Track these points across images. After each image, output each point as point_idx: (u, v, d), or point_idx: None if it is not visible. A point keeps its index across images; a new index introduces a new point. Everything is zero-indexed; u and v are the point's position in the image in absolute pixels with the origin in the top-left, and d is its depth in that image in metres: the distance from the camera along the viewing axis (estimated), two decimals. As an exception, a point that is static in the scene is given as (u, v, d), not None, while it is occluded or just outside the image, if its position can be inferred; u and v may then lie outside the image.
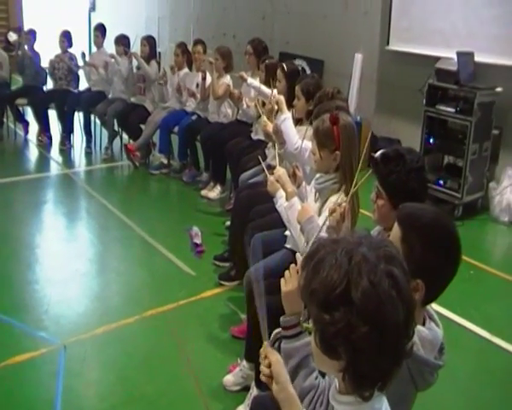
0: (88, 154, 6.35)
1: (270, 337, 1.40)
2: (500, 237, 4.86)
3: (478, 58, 4.91)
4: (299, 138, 3.06)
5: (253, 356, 2.57)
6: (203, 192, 5.13)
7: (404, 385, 1.45)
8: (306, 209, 2.25)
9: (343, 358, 1.00)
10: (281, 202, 2.55)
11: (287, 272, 1.48)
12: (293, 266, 1.50)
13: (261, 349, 1.33)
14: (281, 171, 2.53)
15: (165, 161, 5.78)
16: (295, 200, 2.43)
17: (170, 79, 5.81)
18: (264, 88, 4.41)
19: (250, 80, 4.56)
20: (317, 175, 2.51)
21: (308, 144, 2.93)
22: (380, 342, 0.96)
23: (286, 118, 3.20)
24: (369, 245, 1.01)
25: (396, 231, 1.48)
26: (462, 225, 4.72)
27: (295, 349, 1.43)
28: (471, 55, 4.92)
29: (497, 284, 3.88)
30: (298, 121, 3.45)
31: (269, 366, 1.29)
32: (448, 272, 1.46)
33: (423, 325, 1.51)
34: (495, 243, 4.87)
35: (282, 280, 1.49)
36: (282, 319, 1.49)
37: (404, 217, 1.50)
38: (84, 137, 6.45)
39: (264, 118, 3.44)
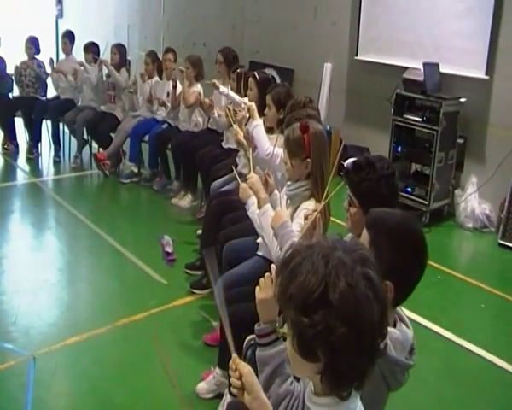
0: (56, 162, 6.28)
1: (237, 349, 1.40)
2: (465, 243, 5.01)
3: (443, 69, 5.07)
4: (271, 145, 3.11)
5: (226, 363, 2.57)
6: (174, 201, 5.13)
7: (377, 386, 1.50)
8: (280, 215, 2.29)
9: (321, 360, 1.02)
10: (253, 208, 2.58)
11: (261, 280, 1.49)
12: (268, 274, 1.51)
13: (230, 362, 1.33)
14: (254, 177, 2.55)
15: (136, 170, 5.77)
16: (268, 206, 2.46)
17: (140, 88, 5.81)
18: (235, 96, 4.46)
19: (222, 88, 4.60)
20: (289, 182, 2.56)
21: (280, 151, 2.98)
22: (357, 341, 1.00)
23: (257, 124, 3.24)
24: (343, 249, 1.05)
25: (365, 236, 1.54)
26: (430, 231, 4.85)
27: (270, 357, 1.45)
28: (436, 65, 5.08)
29: (462, 288, 4.00)
30: (269, 130, 3.50)
31: (239, 377, 1.30)
32: (416, 273, 1.51)
33: (394, 326, 1.56)
34: (460, 249, 5.02)
35: (257, 288, 1.50)
36: (256, 326, 1.50)
37: (372, 221, 1.55)
38: (53, 146, 6.38)
39: (236, 126, 3.48)
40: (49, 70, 6.38)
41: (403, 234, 1.50)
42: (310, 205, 2.39)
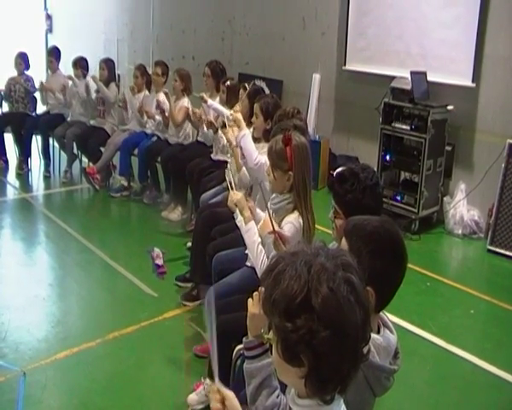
0: (46, 178, 6.30)
1: (222, 374, 1.38)
2: (454, 250, 5.07)
3: (430, 78, 5.15)
4: (259, 154, 3.16)
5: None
6: (164, 214, 5.16)
7: (362, 392, 1.52)
8: (267, 223, 2.31)
9: (305, 364, 1.05)
10: (241, 217, 2.64)
11: (255, 294, 1.50)
12: (256, 294, 1.53)
13: (212, 387, 1.33)
14: (239, 195, 2.60)
15: (126, 183, 5.80)
16: (252, 224, 2.50)
17: (130, 101, 5.85)
18: (223, 109, 4.51)
19: (210, 101, 4.65)
20: (273, 196, 2.59)
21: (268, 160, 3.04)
22: (340, 345, 1.03)
23: (245, 134, 3.28)
24: (326, 255, 1.08)
25: (344, 245, 1.57)
26: (419, 238, 4.91)
27: (258, 369, 1.47)
28: (424, 74, 5.16)
29: (452, 295, 4.05)
30: (255, 140, 3.53)
31: (222, 401, 1.29)
32: (396, 277, 1.53)
33: (378, 332, 1.58)
34: (450, 255, 5.08)
35: (250, 301, 1.52)
36: (244, 339, 1.52)
37: (349, 229, 1.58)
38: (42, 161, 6.41)
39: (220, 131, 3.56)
40: (37, 86, 6.42)
41: (380, 238, 1.52)
42: (293, 218, 2.42)
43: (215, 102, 4.72)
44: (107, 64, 6.01)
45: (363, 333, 1.06)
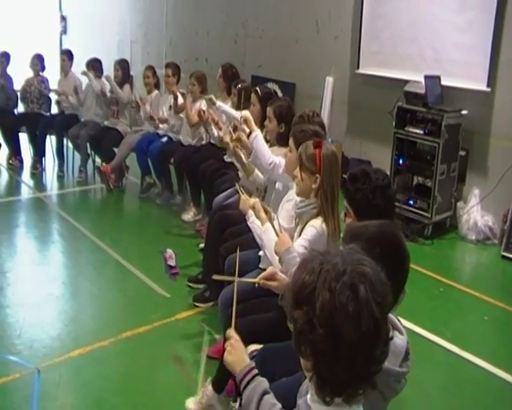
0: (60, 177, 6.36)
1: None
2: (468, 255, 5.03)
3: (444, 82, 5.12)
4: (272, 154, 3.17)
5: (219, 386, 2.61)
6: (183, 216, 5.16)
7: (371, 397, 1.52)
8: (284, 240, 2.30)
9: (309, 358, 1.11)
10: (253, 218, 2.64)
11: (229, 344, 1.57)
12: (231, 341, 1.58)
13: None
14: (254, 200, 2.63)
15: (152, 181, 5.79)
16: (268, 225, 2.50)
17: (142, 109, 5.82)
18: (232, 111, 4.51)
19: (219, 104, 4.63)
20: (298, 200, 2.58)
21: (282, 161, 3.04)
22: (334, 348, 1.06)
23: (257, 135, 3.28)
24: (344, 258, 1.11)
25: None
26: (432, 244, 4.89)
27: (253, 390, 1.47)
28: (438, 78, 5.13)
29: (465, 301, 4.02)
30: (268, 144, 3.52)
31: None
32: (399, 278, 1.52)
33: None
34: (463, 261, 5.04)
35: (226, 353, 1.56)
36: (237, 373, 1.51)
37: (348, 236, 1.58)
38: (57, 161, 6.47)
39: (231, 147, 3.56)
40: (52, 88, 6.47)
41: (380, 241, 1.51)
42: (317, 223, 2.41)
43: (224, 105, 4.70)
44: (122, 65, 6.07)
45: (364, 349, 1.07)
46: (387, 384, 1.53)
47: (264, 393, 1.44)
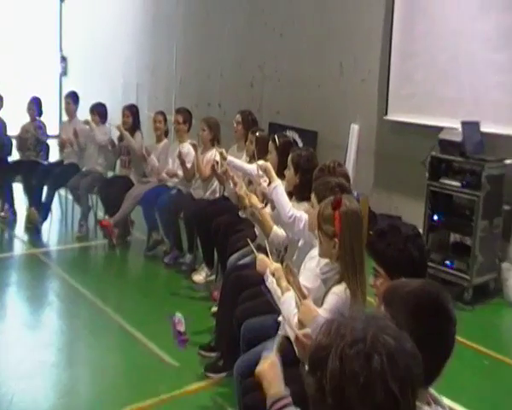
0: (59, 232, 6.47)
1: None
2: (516, 323, 4.99)
3: (484, 128, 5.15)
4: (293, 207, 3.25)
5: None
6: (194, 276, 5.22)
7: None
8: (309, 308, 2.35)
9: None
10: (272, 278, 2.70)
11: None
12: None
13: None
14: (276, 265, 2.70)
15: (160, 237, 5.88)
16: (289, 295, 2.55)
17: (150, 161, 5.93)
18: (246, 166, 4.62)
19: (230, 158, 4.69)
20: (322, 263, 2.65)
21: (304, 215, 3.12)
22: None
23: (277, 185, 3.37)
24: (366, 323, 1.13)
25: (381, 309, 1.58)
26: (473, 309, 4.85)
27: None
28: (477, 124, 5.16)
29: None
30: (288, 194, 3.60)
31: None
32: (442, 344, 1.53)
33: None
34: (511, 330, 4.99)
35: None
36: (270, 395, 1.64)
37: (387, 291, 1.62)
38: (54, 215, 6.58)
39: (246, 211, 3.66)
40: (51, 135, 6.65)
41: (420, 299, 1.53)
42: (339, 289, 2.44)
43: (236, 159, 4.78)
44: (131, 110, 6.23)
45: None
46: None
47: None
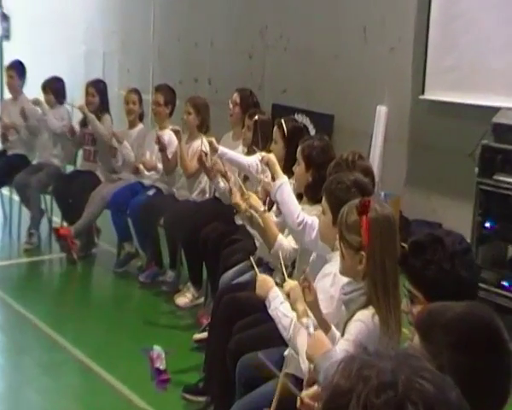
0: (0, 243, 6.50)
1: None
2: None
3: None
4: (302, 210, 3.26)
5: None
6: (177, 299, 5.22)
7: None
8: (320, 340, 2.36)
9: None
10: (275, 304, 2.71)
11: None
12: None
13: None
14: (292, 284, 2.67)
15: (133, 249, 5.89)
16: (309, 322, 2.54)
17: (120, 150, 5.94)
18: (243, 158, 4.64)
19: (222, 149, 4.68)
20: (344, 282, 2.63)
21: (316, 221, 3.12)
22: None
23: (282, 183, 3.39)
24: (398, 363, 1.12)
25: (415, 342, 1.56)
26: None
27: None
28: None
29: None
30: (297, 196, 3.60)
31: None
32: (494, 379, 1.50)
33: None
34: None
35: None
36: None
37: (421, 320, 1.60)
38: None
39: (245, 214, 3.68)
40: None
41: (467, 326, 1.52)
42: (366, 316, 2.44)
43: (231, 151, 4.77)
44: (98, 88, 6.24)
45: None
46: None
47: None
